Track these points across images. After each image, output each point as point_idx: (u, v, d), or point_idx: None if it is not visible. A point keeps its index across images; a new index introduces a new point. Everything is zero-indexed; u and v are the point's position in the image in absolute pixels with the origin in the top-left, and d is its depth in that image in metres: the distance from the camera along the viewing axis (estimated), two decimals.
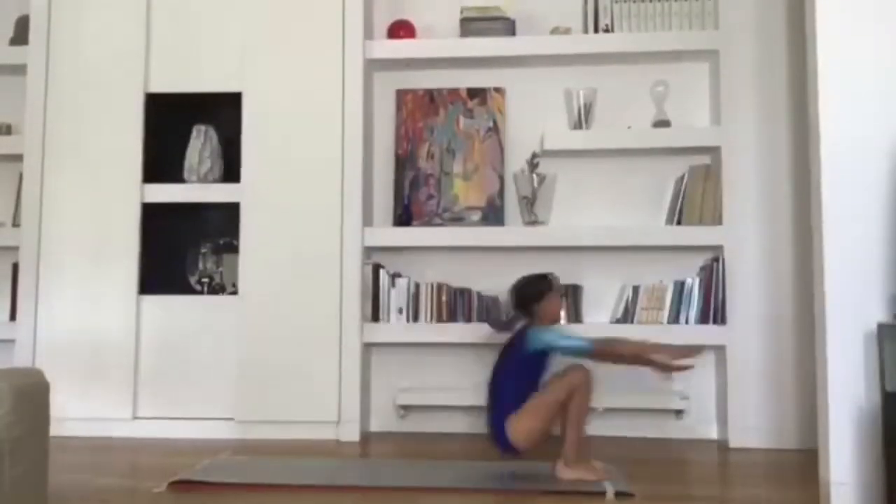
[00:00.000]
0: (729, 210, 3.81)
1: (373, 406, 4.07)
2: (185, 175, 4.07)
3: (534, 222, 3.98)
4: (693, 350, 3.07)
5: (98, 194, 3.99)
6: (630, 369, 3.95)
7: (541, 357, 3.00)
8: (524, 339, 3.00)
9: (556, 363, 3.03)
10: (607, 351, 3.00)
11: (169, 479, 2.88)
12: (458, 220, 4.07)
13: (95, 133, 4.02)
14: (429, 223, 4.07)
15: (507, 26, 4.08)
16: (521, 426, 2.90)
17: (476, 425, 3.98)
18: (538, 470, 3.02)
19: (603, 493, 2.74)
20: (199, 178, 4.05)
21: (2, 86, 4.31)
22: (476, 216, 4.06)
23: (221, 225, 4.16)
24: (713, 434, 3.90)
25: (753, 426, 3.70)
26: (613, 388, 3.94)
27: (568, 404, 2.90)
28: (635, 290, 3.89)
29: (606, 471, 2.98)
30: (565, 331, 3.10)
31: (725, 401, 3.75)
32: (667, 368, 3.03)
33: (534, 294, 3.07)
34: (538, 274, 3.17)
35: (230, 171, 4.06)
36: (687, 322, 3.81)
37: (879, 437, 2.53)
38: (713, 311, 3.78)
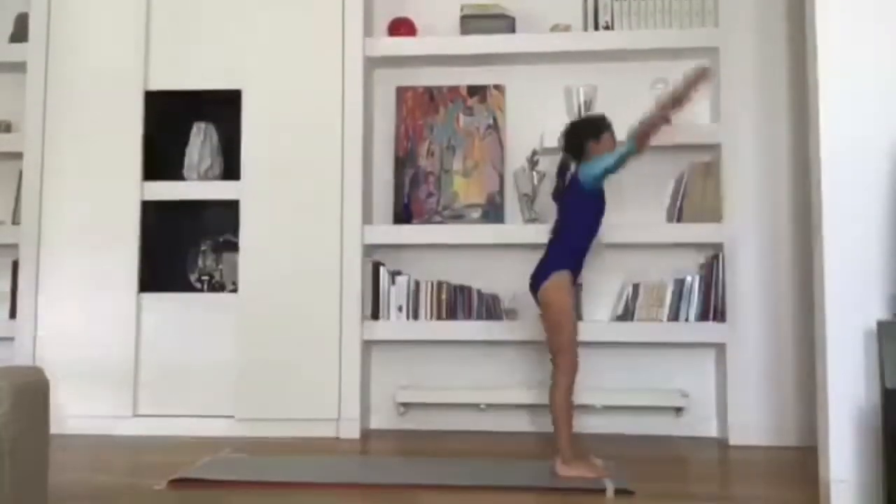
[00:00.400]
0: (729, 207, 3.81)
1: (373, 403, 4.07)
2: (185, 173, 4.07)
3: (534, 220, 3.98)
4: (699, 74, 3.11)
5: (98, 192, 3.99)
6: (631, 362, 3.98)
7: (598, 196, 3.05)
8: (576, 182, 3.03)
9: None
10: (643, 135, 3.00)
11: (169, 476, 2.88)
12: (458, 217, 4.07)
13: (95, 130, 4.02)
14: (429, 221, 4.07)
15: (507, 24, 4.08)
16: (553, 289, 3.00)
17: (476, 423, 3.99)
18: (539, 467, 3.03)
19: (603, 491, 2.74)
20: (199, 176, 4.05)
21: (1, 83, 4.31)
22: (476, 214, 4.06)
23: (221, 222, 4.16)
24: (713, 431, 3.90)
25: (753, 424, 3.71)
26: (613, 386, 3.96)
27: (552, 396, 2.96)
28: (635, 287, 3.89)
29: (606, 468, 2.99)
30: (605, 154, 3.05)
31: (725, 398, 3.76)
32: (684, 95, 3.08)
33: (592, 131, 3.08)
34: (594, 114, 3.16)
35: (230, 169, 4.06)
36: (687, 320, 3.81)
37: (879, 434, 2.53)
38: (713, 308, 3.78)
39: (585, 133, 3.09)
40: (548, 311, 3.01)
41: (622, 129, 3.94)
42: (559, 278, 3.00)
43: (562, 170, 3.20)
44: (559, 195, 3.22)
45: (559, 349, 2.99)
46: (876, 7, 2.72)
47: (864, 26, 2.72)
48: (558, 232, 3.14)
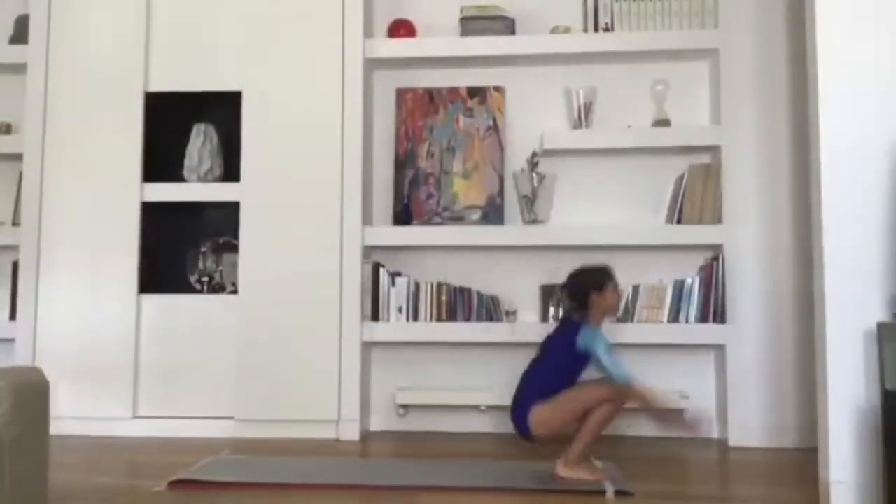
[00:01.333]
0: (729, 209, 3.81)
1: (372, 405, 4.07)
2: (185, 174, 4.07)
3: (534, 221, 3.98)
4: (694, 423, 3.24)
5: (98, 193, 3.99)
6: (631, 364, 3.98)
7: (586, 357, 2.96)
8: (576, 334, 2.97)
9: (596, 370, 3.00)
10: (632, 392, 2.92)
11: (168, 478, 2.88)
12: (457, 219, 4.07)
13: (95, 132, 4.02)
14: (428, 222, 4.07)
15: (507, 25, 4.08)
16: (544, 416, 2.91)
17: (476, 424, 3.99)
18: (539, 469, 3.02)
19: (603, 492, 2.74)
20: (199, 177, 4.05)
21: (1, 85, 4.31)
22: (476, 215, 4.06)
23: (221, 224, 4.16)
24: (713, 433, 3.90)
25: (753, 425, 3.70)
26: None
27: (594, 410, 2.90)
28: (635, 289, 3.89)
29: (606, 470, 2.98)
30: (615, 350, 2.99)
31: (725, 400, 3.76)
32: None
33: (595, 283, 3.03)
34: (598, 265, 3.12)
35: (230, 170, 4.06)
36: (687, 321, 3.81)
37: (879, 436, 2.53)
38: (713, 309, 3.78)
39: (589, 285, 3.04)
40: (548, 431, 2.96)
41: (622, 128, 3.97)
42: (540, 411, 2.93)
43: (567, 315, 3.16)
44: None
45: (594, 406, 2.91)
46: (876, 7, 2.72)
47: (864, 26, 2.72)
48: (539, 362, 3.07)
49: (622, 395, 2.91)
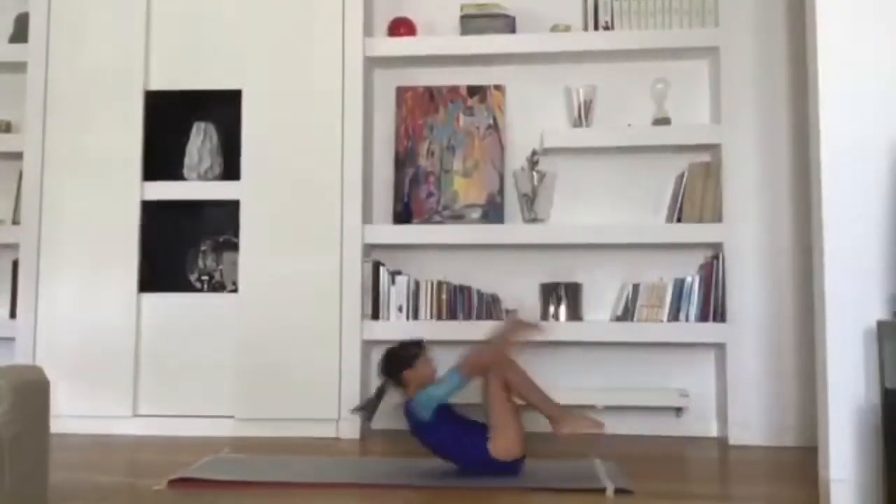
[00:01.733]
0: (729, 208, 3.81)
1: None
2: (185, 172, 4.07)
3: (534, 220, 3.98)
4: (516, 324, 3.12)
5: (98, 192, 3.99)
6: (631, 363, 3.98)
7: (439, 410, 2.96)
8: (417, 418, 2.96)
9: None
10: (472, 366, 2.96)
11: (168, 476, 2.88)
12: (457, 217, 4.07)
13: (95, 130, 4.02)
14: (429, 221, 4.07)
15: (507, 23, 4.08)
16: (501, 443, 2.92)
17: None
18: (539, 467, 3.03)
19: (603, 490, 2.74)
20: (199, 176, 4.05)
21: (1, 83, 4.32)
22: (476, 214, 4.06)
23: (221, 222, 4.16)
24: (713, 431, 3.90)
25: (753, 423, 3.71)
26: (613, 386, 3.97)
27: (510, 381, 2.95)
28: (635, 287, 3.89)
29: (602, 423, 3.02)
30: (433, 386, 2.99)
31: (725, 398, 3.76)
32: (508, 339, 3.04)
33: (405, 362, 3.03)
34: (408, 340, 3.12)
35: (230, 169, 4.06)
36: (687, 319, 3.81)
37: (879, 434, 2.53)
38: (713, 308, 3.78)
39: (399, 366, 3.04)
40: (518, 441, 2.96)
41: (623, 127, 3.97)
42: (496, 443, 2.92)
43: (380, 393, 3.12)
44: (372, 413, 3.14)
45: (503, 382, 2.96)
46: (876, 7, 2.72)
47: (864, 26, 2.72)
48: (448, 449, 3.03)
49: (498, 351, 2.99)
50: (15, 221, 4.20)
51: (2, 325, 4.10)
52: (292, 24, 4.00)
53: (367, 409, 3.16)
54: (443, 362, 4.06)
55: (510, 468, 2.95)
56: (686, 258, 3.97)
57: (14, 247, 4.07)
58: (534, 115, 4.13)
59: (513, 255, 4.08)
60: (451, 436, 2.99)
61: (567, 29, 4.05)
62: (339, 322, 3.86)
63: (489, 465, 2.93)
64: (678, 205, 3.91)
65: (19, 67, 4.09)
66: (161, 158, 4.09)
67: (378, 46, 4.06)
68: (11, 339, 3.96)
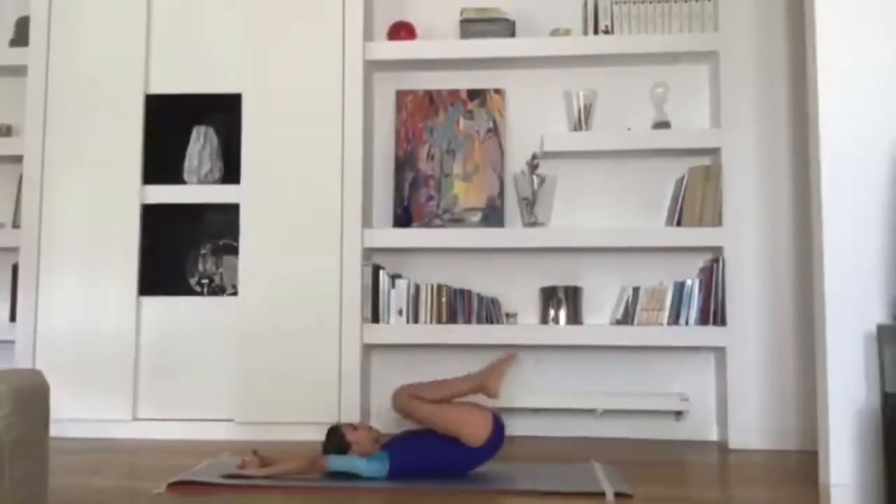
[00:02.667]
0: (729, 211, 3.81)
1: (373, 407, 4.07)
2: (185, 176, 4.07)
3: (534, 223, 3.98)
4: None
5: (98, 195, 3.99)
6: (631, 366, 3.98)
7: (397, 453, 2.95)
8: (379, 470, 2.94)
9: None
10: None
11: (168, 480, 2.87)
12: (457, 221, 4.07)
13: (95, 134, 4.02)
14: (429, 224, 4.07)
15: (507, 27, 4.08)
16: (471, 431, 2.92)
17: None
18: (539, 471, 3.02)
19: (602, 494, 2.74)
20: (199, 180, 4.05)
21: (2, 87, 4.32)
22: (476, 217, 4.06)
23: (221, 226, 4.16)
24: (713, 435, 3.90)
25: (753, 427, 3.70)
26: (613, 390, 3.97)
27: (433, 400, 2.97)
28: (635, 291, 3.89)
29: (509, 358, 3.05)
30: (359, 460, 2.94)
31: (725, 402, 3.75)
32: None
33: (342, 445, 2.99)
34: (330, 429, 3.05)
35: (230, 173, 4.06)
36: (687, 323, 3.81)
37: (879, 438, 2.53)
38: (713, 312, 3.77)
39: (342, 447, 2.99)
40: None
41: (622, 131, 3.97)
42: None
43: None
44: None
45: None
46: (876, 7, 2.72)
47: (864, 26, 2.72)
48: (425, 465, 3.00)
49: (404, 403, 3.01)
50: (15, 225, 4.20)
51: (2, 329, 4.10)
52: (292, 27, 4.01)
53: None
54: (443, 366, 4.08)
55: (497, 444, 2.95)
56: (686, 262, 3.97)
57: (14, 250, 4.07)
58: (534, 119, 4.13)
59: (513, 258, 4.08)
60: (422, 459, 2.96)
61: (567, 33, 4.05)
62: (339, 326, 3.86)
63: (477, 456, 2.95)
64: (678, 208, 3.91)
65: (20, 71, 4.10)
66: (161, 162, 4.09)
67: (378, 50, 4.06)
68: (11, 343, 3.96)
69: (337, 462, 2.93)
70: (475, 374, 3.07)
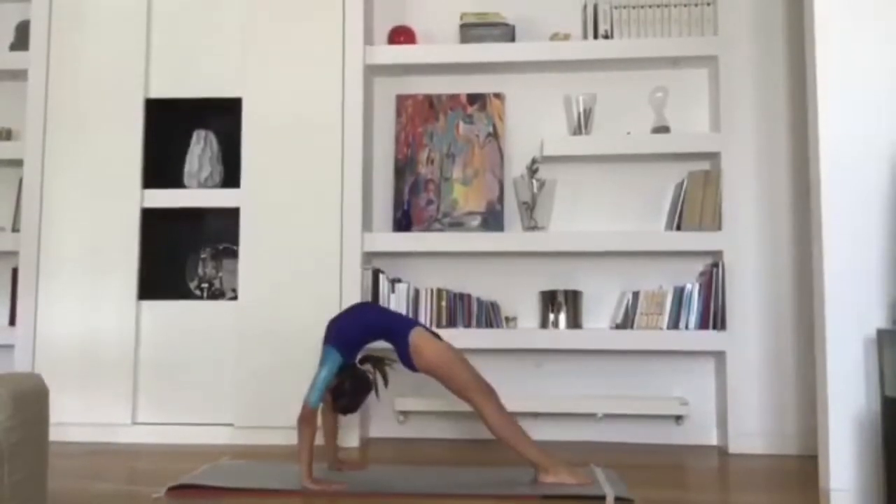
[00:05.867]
0: (728, 215, 3.81)
1: (372, 411, 4.06)
2: (185, 180, 4.07)
3: (533, 228, 3.98)
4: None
5: (98, 199, 4.00)
6: (630, 371, 3.98)
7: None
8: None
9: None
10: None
11: (168, 484, 2.87)
12: (457, 225, 4.07)
13: (95, 138, 4.02)
14: (428, 228, 4.07)
15: (507, 32, 4.09)
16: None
17: (476, 431, 3.98)
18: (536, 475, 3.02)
19: (603, 498, 2.73)
20: (199, 184, 4.05)
21: (2, 91, 4.33)
22: (476, 221, 4.07)
23: (221, 230, 4.16)
24: (713, 440, 3.90)
25: (753, 432, 3.70)
26: (613, 394, 3.97)
27: (489, 424, 3.02)
28: (635, 295, 3.89)
29: (589, 476, 2.98)
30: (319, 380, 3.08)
31: (725, 406, 3.75)
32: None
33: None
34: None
35: (230, 177, 4.06)
36: (687, 327, 3.81)
37: (879, 443, 2.53)
38: (713, 316, 3.77)
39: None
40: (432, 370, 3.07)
41: (622, 135, 3.98)
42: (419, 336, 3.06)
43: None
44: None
45: (461, 392, 3.04)
46: (876, 8, 2.73)
47: (864, 27, 2.73)
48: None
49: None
50: (15, 229, 4.20)
51: (1, 333, 4.10)
52: (292, 32, 4.01)
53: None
54: None
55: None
56: (686, 266, 3.97)
57: (14, 254, 4.08)
58: (533, 123, 4.13)
59: (512, 262, 4.09)
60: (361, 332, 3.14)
61: (566, 38, 4.06)
62: None
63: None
64: (678, 213, 3.91)
65: (20, 75, 4.11)
66: (161, 166, 4.09)
67: (378, 54, 4.07)
68: (11, 347, 3.96)
69: (313, 397, 3.03)
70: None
